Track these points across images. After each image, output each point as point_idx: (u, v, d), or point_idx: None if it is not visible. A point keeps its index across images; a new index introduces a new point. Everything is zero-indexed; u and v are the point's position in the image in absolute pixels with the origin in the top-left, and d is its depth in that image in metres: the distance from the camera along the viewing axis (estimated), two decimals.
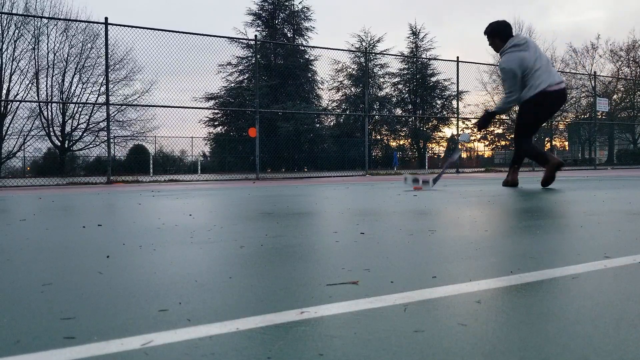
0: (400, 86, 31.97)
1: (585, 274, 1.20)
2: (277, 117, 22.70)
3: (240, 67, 26.59)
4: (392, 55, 32.22)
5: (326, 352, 0.73)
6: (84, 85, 25.44)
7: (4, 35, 23.41)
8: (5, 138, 23.30)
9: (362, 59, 27.55)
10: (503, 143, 36.53)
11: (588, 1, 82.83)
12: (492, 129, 35.40)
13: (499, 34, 4.97)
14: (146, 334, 0.82)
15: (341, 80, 30.04)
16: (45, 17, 24.05)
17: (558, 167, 4.81)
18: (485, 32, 5.07)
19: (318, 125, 25.49)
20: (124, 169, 21.28)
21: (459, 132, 15.87)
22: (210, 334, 0.82)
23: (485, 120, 5.36)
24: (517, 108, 5.22)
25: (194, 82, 21.21)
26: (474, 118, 19.46)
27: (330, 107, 29.55)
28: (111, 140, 9.79)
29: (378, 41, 31.52)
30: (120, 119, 24.22)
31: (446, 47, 65.69)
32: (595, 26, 70.65)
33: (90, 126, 25.81)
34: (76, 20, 20.87)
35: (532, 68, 4.80)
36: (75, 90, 25.51)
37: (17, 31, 23.40)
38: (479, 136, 35.09)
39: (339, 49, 14.40)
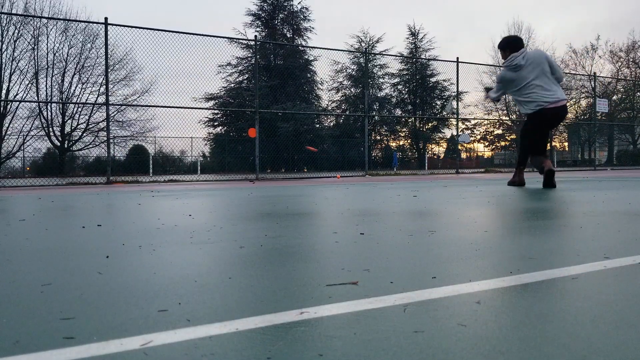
0: (399, 87, 31.98)
1: (585, 274, 1.20)
2: (277, 118, 22.70)
3: (240, 68, 26.62)
4: (391, 55, 32.24)
5: (326, 353, 0.73)
6: (84, 86, 25.46)
7: (4, 35, 23.42)
8: (5, 138, 23.31)
9: (362, 60, 27.57)
10: (503, 144, 36.55)
11: (583, 1, 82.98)
12: (491, 129, 35.46)
13: (509, 46, 5.34)
14: (146, 334, 0.82)
15: (341, 80, 30.08)
16: (44, 17, 24.04)
17: (547, 173, 5.03)
18: (499, 46, 5.44)
19: (318, 125, 25.49)
20: (123, 169, 21.29)
21: (459, 133, 15.85)
22: (210, 334, 0.82)
23: (487, 91, 5.83)
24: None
25: (193, 83, 21.19)
26: (474, 119, 19.49)
27: (330, 108, 29.55)
28: (111, 141, 9.78)
29: (377, 41, 31.56)
30: (120, 119, 24.22)
31: (447, 48, 65.82)
32: (592, 27, 70.77)
33: (90, 126, 25.83)
34: (76, 20, 20.79)
35: (526, 85, 5.11)
36: (75, 90, 25.53)
37: (16, 31, 23.42)
38: (479, 137, 35.13)
39: (338, 50, 14.40)
